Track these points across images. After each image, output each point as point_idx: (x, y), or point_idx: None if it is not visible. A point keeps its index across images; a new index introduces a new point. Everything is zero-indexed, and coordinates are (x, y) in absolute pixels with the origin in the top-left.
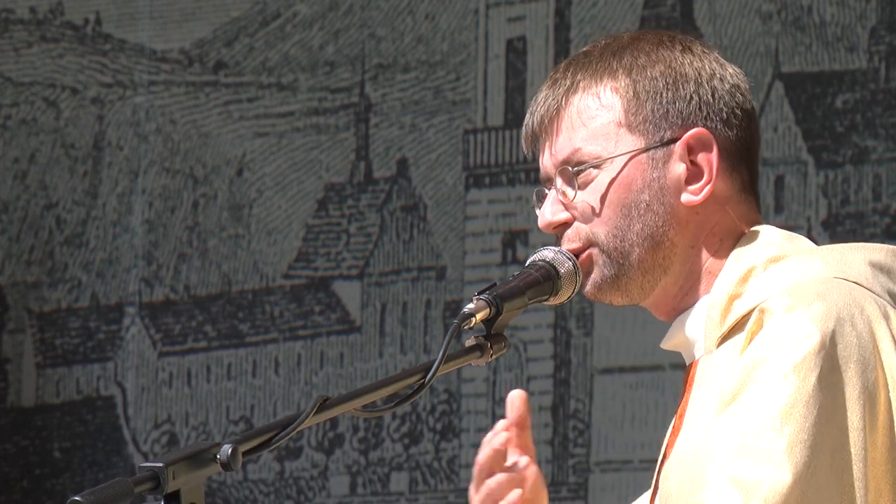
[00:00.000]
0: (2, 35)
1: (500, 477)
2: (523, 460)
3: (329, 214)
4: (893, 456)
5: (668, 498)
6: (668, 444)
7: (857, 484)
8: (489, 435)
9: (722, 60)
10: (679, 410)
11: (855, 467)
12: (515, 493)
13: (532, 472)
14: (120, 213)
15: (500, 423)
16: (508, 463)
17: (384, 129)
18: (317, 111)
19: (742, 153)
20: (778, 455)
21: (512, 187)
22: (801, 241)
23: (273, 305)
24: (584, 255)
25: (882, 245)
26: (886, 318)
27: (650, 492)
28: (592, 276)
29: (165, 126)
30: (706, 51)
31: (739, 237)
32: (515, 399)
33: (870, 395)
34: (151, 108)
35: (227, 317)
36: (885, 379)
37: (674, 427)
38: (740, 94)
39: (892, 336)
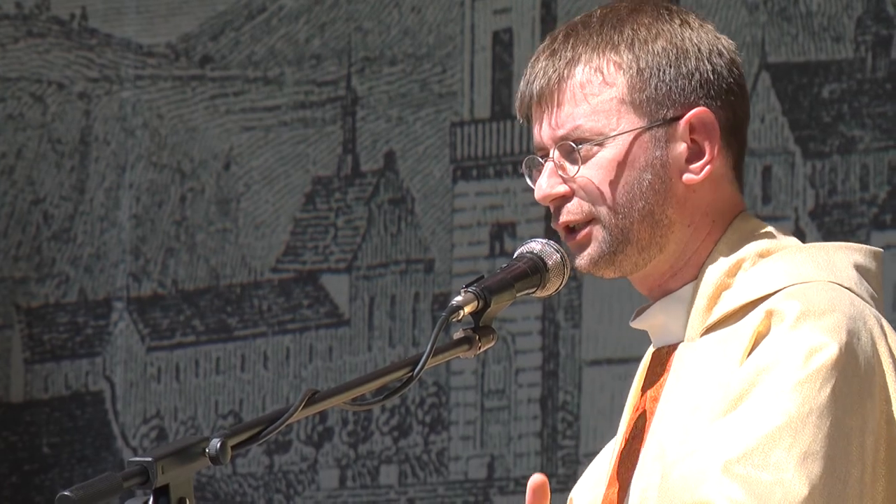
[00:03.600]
0: None
1: None
2: None
3: (317, 208)
4: (890, 472)
5: (666, 491)
6: (632, 427)
7: (864, 498)
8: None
9: (716, 32)
10: (652, 393)
11: (862, 482)
12: None
13: None
14: (107, 207)
15: (538, 479)
16: None
17: (371, 123)
18: (303, 105)
19: (735, 130)
20: (792, 465)
21: (499, 180)
22: (786, 236)
23: (261, 299)
24: (583, 232)
25: (861, 245)
26: (884, 333)
27: (608, 468)
28: (589, 250)
29: (152, 120)
30: (702, 23)
31: (729, 220)
32: (536, 481)
33: (876, 410)
34: (138, 102)
35: (215, 311)
36: (888, 394)
37: (642, 409)
38: (736, 68)
39: (890, 352)
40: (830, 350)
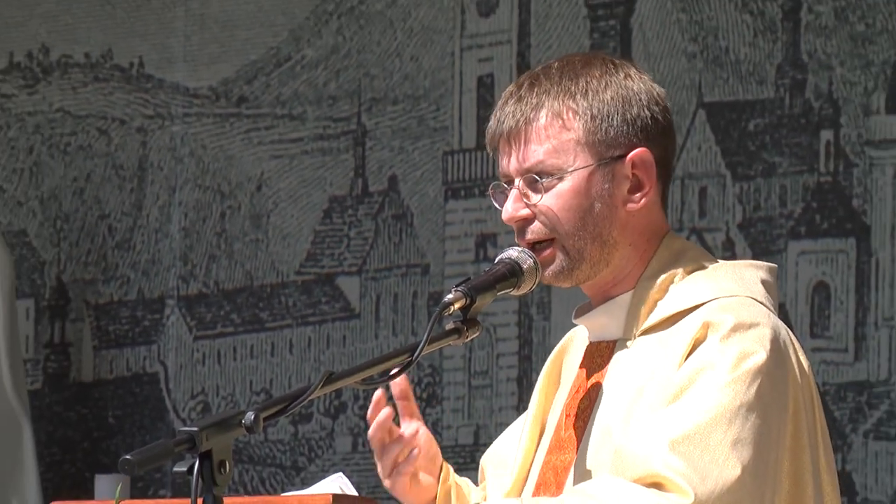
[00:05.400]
0: (62, 76)
1: (395, 447)
2: (411, 427)
3: (333, 222)
4: (795, 454)
5: (619, 463)
6: (578, 405)
7: (779, 476)
8: (371, 411)
9: (651, 82)
10: (594, 380)
11: (776, 462)
12: (413, 452)
13: (422, 433)
14: (161, 222)
15: (377, 395)
16: (401, 432)
17: (377, 151)
18: (322, 137)
19: (665, 164)
20: (726, 449)
21: (483, 198)
22: (705, 255)
23: (287, 297)
24: (547, 252)
25: (762, 263)
26: (792, 342)
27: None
28: (552, 268)
29: (197, 150)
30: (641, 75)
31: (659, 239)
32: (395, 384)
33: (785, 407)
34: (186, 135)
35: (249, 307)
36: (796, 392)
37: (584, 391)
38: (668, 112)
39: (797, 357)
40: (759, 356)
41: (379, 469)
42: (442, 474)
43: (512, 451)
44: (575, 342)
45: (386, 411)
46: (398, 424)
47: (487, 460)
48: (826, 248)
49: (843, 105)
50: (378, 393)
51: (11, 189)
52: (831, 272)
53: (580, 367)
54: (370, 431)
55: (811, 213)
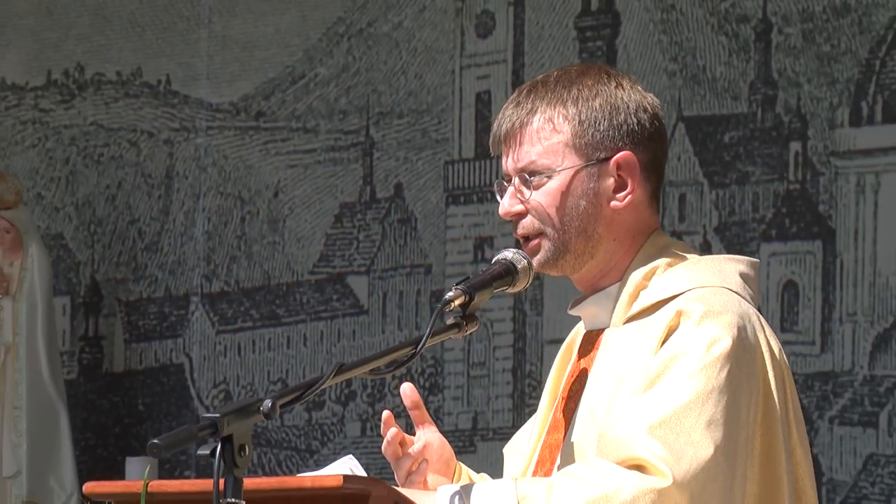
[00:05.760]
0: (96, 92)
1: (407, 460)
2: (420, 441)
3: (343, 226)
4: (767, 432)
5: (603, 446)
6: (569, 388)
7: (751, 452)
8: (383, 428)
9: (644, 91)
10: (584, 364)
11: (747, 440)
12: (422, 465)
13: (434, 441)
14: (186, 226)
15: (385, 414)
16: (408, 451)
17: (384, 161)
18: (333, 148)
19: (654, 167)
20: (700, 430)
21: (481, 204)
22: (688, 249)
23: (302, 295)
24: (534, 242)
25: (744, 257)
26: (762, 327)
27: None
28: (538, 257)
29: (220, 160)
30: (633, 84)
31: (646, 236)
32: (406, 389)
33: (756, 387)
34: (209, 146)
35: (267, 303)
36: (766, 373)
37: (576, 375)
38: (657, 120)
39: (767, 342)
40: (726, 342)
41: (396, 477)
42: (455, 475)
43: (527, 436)
44: (580, 332)
45: (393, 431)
46: (412, 432)
47: (507, 449)
48: (795, 250)
49: (810, 119)
50: (386, 413)
51: (49, 196)
52: (800, 272)
53: (576, 354)
54: (383, 447)
55: (781, 218)
